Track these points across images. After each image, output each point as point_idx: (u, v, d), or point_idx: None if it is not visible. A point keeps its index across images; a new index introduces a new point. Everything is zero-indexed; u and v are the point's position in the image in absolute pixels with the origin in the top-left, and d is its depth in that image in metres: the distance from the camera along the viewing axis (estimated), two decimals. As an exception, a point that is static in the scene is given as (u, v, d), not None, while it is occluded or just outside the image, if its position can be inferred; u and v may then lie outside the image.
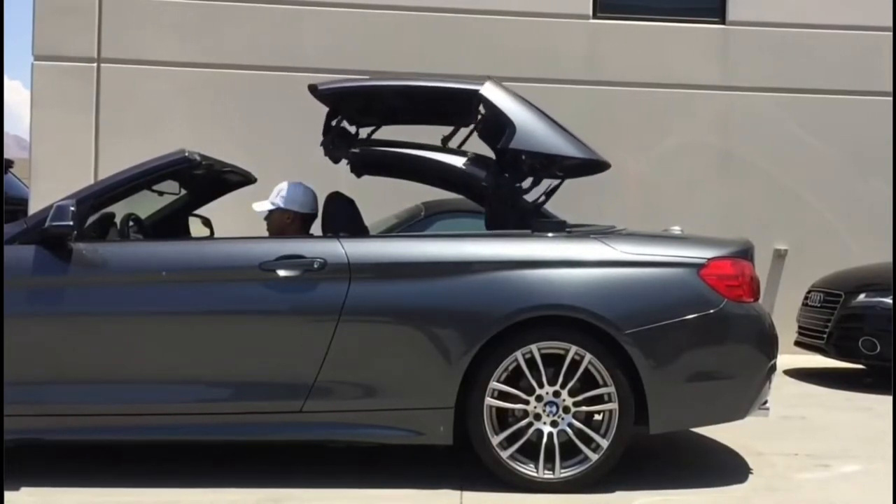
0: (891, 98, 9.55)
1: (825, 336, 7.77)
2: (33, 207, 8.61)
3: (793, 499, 4.43)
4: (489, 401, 4.32)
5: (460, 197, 7.50)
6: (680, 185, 9.65)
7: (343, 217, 4.80)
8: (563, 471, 4.33)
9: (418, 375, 4.34)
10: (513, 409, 4.36)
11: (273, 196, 5.05)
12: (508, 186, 4.88)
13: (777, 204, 9.72)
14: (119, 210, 4.88)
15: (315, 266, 4.36)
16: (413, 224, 7.42)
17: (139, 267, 4.44)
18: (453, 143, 5.36)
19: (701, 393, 4.47)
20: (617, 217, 9.16)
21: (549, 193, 5.36)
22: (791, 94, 9.81)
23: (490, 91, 4.87)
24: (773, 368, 4.63)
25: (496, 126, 4.89)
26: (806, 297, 8.29)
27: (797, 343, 8.16)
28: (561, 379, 4.34)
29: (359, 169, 5.51)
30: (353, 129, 5.45)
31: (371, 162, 5.40)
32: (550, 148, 4.83)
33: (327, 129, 5.28)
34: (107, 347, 4.34)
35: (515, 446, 4.33)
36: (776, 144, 9.68)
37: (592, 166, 5.21)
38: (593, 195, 9.33)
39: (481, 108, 5.05)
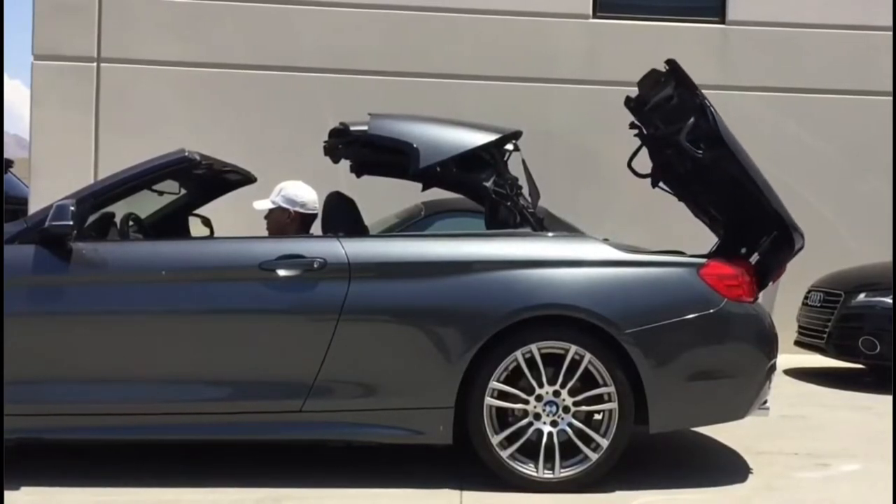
0: (891, 98, 9.55)
1: (825, 336, 7.77)
2: (33, 207, 8.61)
3: (793, 498, 4.43)
4: (489, 400, 4.32)
5: (460, 197, 7.50)
6: (680, 184, 9.63)
7: (343, 217, 4.80)
8: (562, 470, 4.33)
9: (418, 375, 4.34)
10: (513, 409, 4.36)
11: (274, 195, 5.06)
12: (508, 185, 4.88)
13: (777, 204, 9.72)
14: (119, 210, 4.88)
15: (315, 266, 4.36)
16: (413, 224, 7.41)
17: (139, 266, 4.44)
18: None
19: (701, 393, 4.47)
20: (617, 216, 9.22)
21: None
22: (791, 94, 9.81)
23: (377, 126, 4.78)
24: (773, 368, 4.63)
25: (402, 154, 4.76)
26: (806, 297, 8.29)
27: (797, 343, 8.16)
28: (561, 378, 4.34)
29: (358, 169, 5.51)
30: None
31: (371, 161, 5.40)
32: (459, 147, 4.74)
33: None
34: (107, 347, 4.34)
35: (515, 446, 4.33)
36: (776, 144, 9.68)
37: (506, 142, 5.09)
38: (593, 195, 9.36)
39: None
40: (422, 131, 4.75)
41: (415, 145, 4.61)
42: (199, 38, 9.55)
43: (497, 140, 4.84)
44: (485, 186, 4.82)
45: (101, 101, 9.48)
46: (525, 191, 5.11)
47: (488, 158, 4.83)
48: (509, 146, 5.02)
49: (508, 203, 4.80)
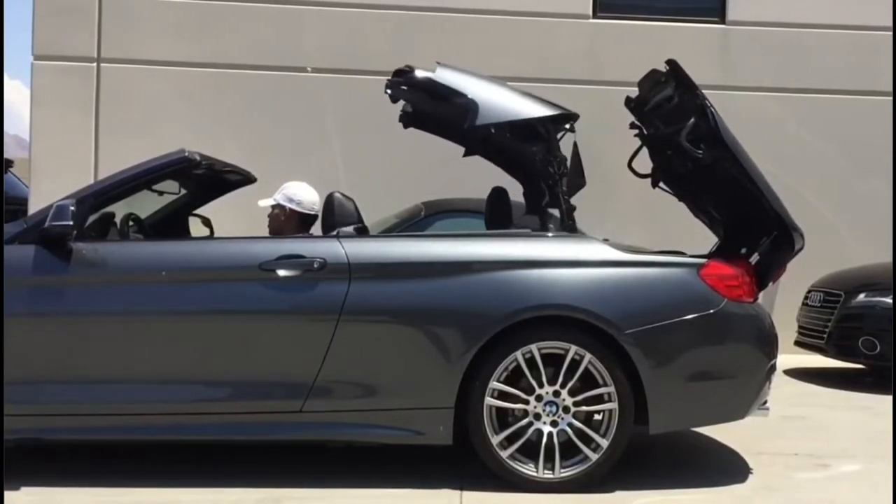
0: (891, 98, 9.55)
1: (825, 336, 7.77)
2: (33, 207, 8.60)
3: (793, 499, 4.43)
4: (489, 400, 4.32)
5: (460, 197, 7.50)
6: (680, 185, 9.63)
7: (343, 216, 4.80)
8: (562, 470, 4.33)
9: (418, 375, 4.34)
10: (513, 409, 4.36)
11: (277, 193, 5.13)
12: (556, 163, 4.84)
13: (777, 204, 9.71)
14: (119, 210, 4.88)
15: (315, 266, 4.36)
16: (413, 224, 7.42)
17: (139, 267, 4.44)
18: None
19: (701, 393, 4.47)
20: (617, 217, 9.22)
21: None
22: (791, 94, 9.81)
23: (443, 75, 4.77)
24: (773, 368, 4.63)
25: (459, 108, 4.76)
26: (806, 297, 8.29)
27: (797, 343, 8.16)
28: (561, 379, 4.34)
29: (408, 118, 5.48)
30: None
31: (425, 112, 5.35)
32: (518, 114, 4.72)
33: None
34: (106, 347, 4.34)
35: (515, 446, 4.33)
36: (776, 144, 9.66)
37: (565, 120, 5.08)
38: (594, 195, 9.34)
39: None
40: (486, 90, 4.74)
41: (476, 101, 4.61)
42: (199, 38, 9.55)
43: (556, 115, 4.83)
44: (535, 159, 4.79)
45: (101, 101, 9.48)
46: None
47: (543, 132, 4.82)
48: (566, 125, 5.01)
49: (549, 182, 4.79)
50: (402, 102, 5.34)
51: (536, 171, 4.82)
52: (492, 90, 4.77)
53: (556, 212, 4.79)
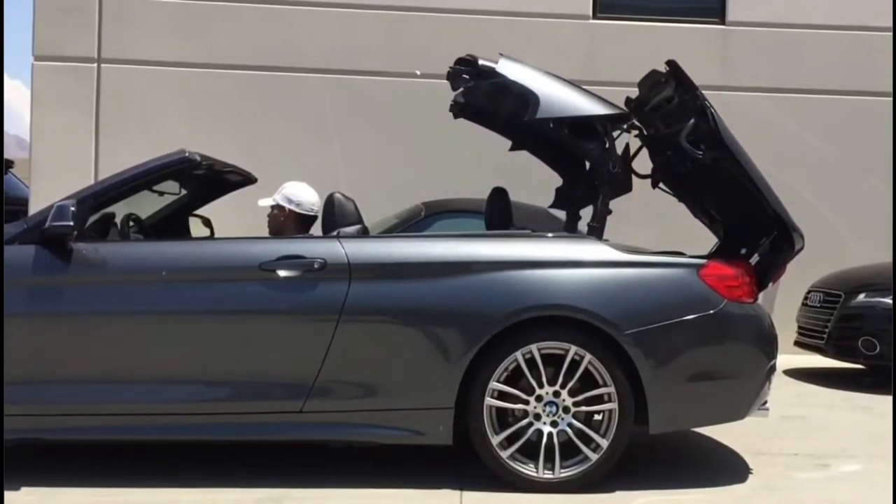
0: (891, 98, 9.55)
1: (825, 336, 7.77)
2: (33, 207, 8.61)
3: (793, 499, 4.43)
4: (489, 401, 4.32)
5: (460, 197, 7.50)
6: (680, 185, 9.63)
7: (343, 216, 4.80)
8: (562, 471, 4.33)
9: (418, 375, 4.34)
10: (513, 409, 4.36)
11: (276, 193, 5.13)
12: (612, 162, 4.84)
13: (777, 204, 9.71)
14: (119, 210, 4.89)
15: (315, 266, 4.36)
16: (413, 224, 7.42)
17: (139, 267, 4.45)
18: None
19: (701, 393, 4.47)
20: (617, 216, 9.20)
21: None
22: (791, 94, 9.82)
23: (505, 67, 4.78)
24: (773, 368, 4.63)
25: (516, 100, 4.79)
26: (806, 297, 8.29)
27: (797, 343, 8.16)
28: (561, 379, 4.34)
29: (460, 109, 5.49)
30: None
31: (480, 102, 5.34)
32: (577, 110, 4.75)
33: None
34: (107, 347, 4.34)
35: (515, 446, 4.33)
36: (776, 144, 9.67)
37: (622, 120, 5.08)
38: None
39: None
40: (547, 84, 4.76)
41: (538, 94, 4.63)
42: (199, 38, 9.56)
43: (615, 115, 4.84)
44: (589, 157, 4.79)
45: (101, 102, 9.49)
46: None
47: (601, 131, 4.83)
48: (624, 126, 5.02)
49: (597, 181, 4.78)
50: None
51: (587, 168, 4.79)
52: (552, 85, 4.79)
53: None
